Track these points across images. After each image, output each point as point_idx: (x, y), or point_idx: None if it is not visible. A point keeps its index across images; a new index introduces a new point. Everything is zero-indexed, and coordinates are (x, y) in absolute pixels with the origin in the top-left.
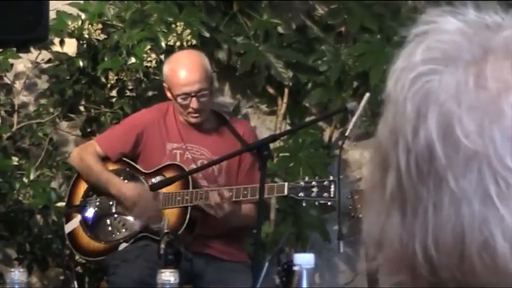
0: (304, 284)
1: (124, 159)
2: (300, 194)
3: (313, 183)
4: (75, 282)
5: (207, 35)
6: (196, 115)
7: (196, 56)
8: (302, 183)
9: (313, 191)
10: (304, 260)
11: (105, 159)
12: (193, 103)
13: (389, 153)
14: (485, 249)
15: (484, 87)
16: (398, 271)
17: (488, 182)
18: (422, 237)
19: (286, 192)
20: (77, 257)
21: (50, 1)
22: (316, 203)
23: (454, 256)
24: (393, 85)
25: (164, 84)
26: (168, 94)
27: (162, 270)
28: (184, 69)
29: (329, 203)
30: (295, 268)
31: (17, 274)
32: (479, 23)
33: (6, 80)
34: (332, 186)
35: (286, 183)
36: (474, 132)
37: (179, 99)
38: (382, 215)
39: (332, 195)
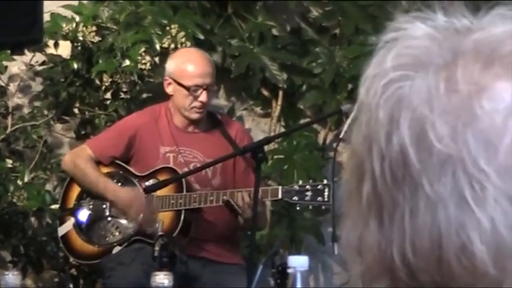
0: (299, 285)
1: (117, 162)
2: (294, 198)
3: (307, 187)
4: (70, 285)
5: (202, 37)
6: (201, 110)
7: (204, 53)
8: (296, 186)
9: (307, 195)
10: (298, 262)
11: (97, 162)
12: (203, 96)
13: (364, 160)
14: (463, 253)
15: (455, 91)
16: (378, 277)
17: (463, 185)
18: (399, 243)
19: (280, 196)
20: (71, 260)
21: (45, 2)
22: (310, 207)
23: (431, 260)
24: (365, 92)
25: (166, 78)
26: (169, 89)
27: (156, 273)
28: (197, 62)
29: (323, 207)
30: (290, 270)
31: (12, 277)
32: (448, 28)
33: (1, 83)
34: (326, 190)
35: (280, 187)
36: (447, 136)
37: (191, 90)
38: (360, 221)
39: (326, 199)
